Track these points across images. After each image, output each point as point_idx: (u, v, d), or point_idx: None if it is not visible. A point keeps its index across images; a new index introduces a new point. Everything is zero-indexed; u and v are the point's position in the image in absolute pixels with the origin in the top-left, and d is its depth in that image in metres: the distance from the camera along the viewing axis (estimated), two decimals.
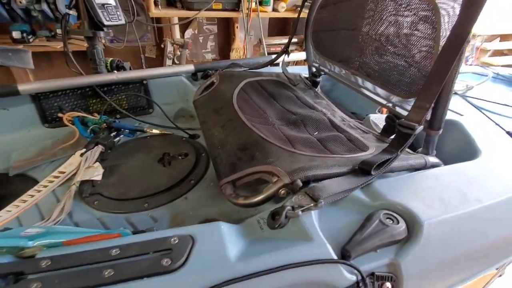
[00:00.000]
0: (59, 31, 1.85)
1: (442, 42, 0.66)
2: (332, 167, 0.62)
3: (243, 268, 0.42)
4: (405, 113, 0.78)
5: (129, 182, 0.82)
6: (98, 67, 1.30)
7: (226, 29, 2.89)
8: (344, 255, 0.48)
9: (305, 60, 1.51)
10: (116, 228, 0.69)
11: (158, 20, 2.37)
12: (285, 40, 2.87)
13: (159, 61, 2.67)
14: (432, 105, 0.64)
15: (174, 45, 2.41)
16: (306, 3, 1.29)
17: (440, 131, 0.72)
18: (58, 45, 1.98)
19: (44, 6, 1.71)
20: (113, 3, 1.17)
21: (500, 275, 0.98)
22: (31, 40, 1.92)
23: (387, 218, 0.53)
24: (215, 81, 1.13)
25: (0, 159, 0.91)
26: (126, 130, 1.05)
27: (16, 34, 1.82)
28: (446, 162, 0.75)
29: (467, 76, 1.46)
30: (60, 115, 1.03)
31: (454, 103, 1.06)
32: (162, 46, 2.47)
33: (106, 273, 0.39)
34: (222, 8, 2.39)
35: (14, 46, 1.35)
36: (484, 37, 3.69)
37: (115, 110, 1.14)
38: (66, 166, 0.86)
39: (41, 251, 0.43)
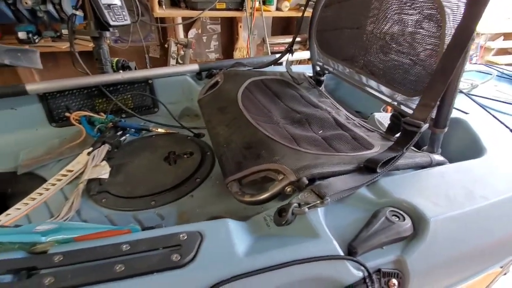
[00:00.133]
0: (64, 31, 1.87)
1: (447, 40, 0.66)
2: (337, 165, 0.63)
3: (251, 264, 0.43)
4: (410, 111, 0.78)
5: (136, 181, 0.83)
6: (104, 67, 1.32)
7: (229, 29, 2.89)
8: (350, 252, 0.48)
9: (308, 59, 1.52)
10: (124, 225, 0.70)
11: (162, 20, 2.38)
12: (288, 39, 2.88)
13: (163, 61, 2.69)
14: (438, 103, 0.64)
15: (178, 44, 2.42)
16: (310, 2, 1.30)
17: (446, 129, 0.72)
18: (63, 46, 2.00)
19: (50, 7, 1.72)
20: (119, 4, 1.18)
21: (505, 273, 0.98)
22: (36, 40, 1.93)
23: (393, 215, 0.54)
24: (219, 80, 1.14)
25: (9, 158, 0.93)
26: (132, 129, 1.06)
27: (21, 35, 1.83)
28: (451, 160, 0.75)
29: (471, 75, 1.46)
30: (67, 114, 1.04)
31: (459, 101, 1.06)
32: (166, 46, 2.48)
33: (117, 268, 0.40)
34: (225, 7, 2.40)
35: (21, 47, 1.37)
36: (488, 36, 3.67)
37: (121, 110, 1.15)
38: (74, 165, 0.87)
39: (53, 247, 0.44)
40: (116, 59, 1.39)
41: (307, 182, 0.57)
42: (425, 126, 0.65)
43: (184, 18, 2.40)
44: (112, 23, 1.16)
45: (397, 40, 0.82)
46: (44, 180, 0.85)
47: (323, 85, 1.28)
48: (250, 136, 0.79)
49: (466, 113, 0.95)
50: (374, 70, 0.92)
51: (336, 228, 0.52)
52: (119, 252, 0.43)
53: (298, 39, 2.09)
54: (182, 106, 1.27)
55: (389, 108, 1.16)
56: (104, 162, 0.87)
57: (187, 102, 1.29)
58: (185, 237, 0.45)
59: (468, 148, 0.83)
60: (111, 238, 0.45)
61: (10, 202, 0.75)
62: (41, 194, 0.77)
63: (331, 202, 0.53)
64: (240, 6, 2.45)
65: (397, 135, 0.86)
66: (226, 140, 0.82)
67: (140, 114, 1.17)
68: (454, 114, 0.85)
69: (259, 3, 2.45)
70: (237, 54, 2.80)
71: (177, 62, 2.47)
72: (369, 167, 0.62)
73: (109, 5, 1.13)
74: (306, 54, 1.51)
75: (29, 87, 0.98)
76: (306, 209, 0.51)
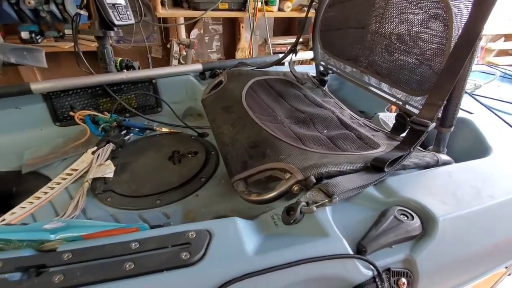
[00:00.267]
0: (67, 31, 1.87)
1: (454, 39, 0.66)
2: (344, 164, 0.63)
3: (261, 262, 0.43)
4: (415, 111, 0.78)
5: (141, 180, 0.83)
6: (108, 66, 1.32)
7: (231, 29, 2.90)
8: (359, 251, 0.48)
9: (311, 59, 1.52)
10: (129, 224, 0.70)
11: (164, 20, 2.38)
12: (290, 40, 2.88)
13: (165, 61, 2.69)
14: (445, 102, 0.64)
15: (180, 45, 2.42)
16: (313, 3, 1.30)
17: (452, 129, 0.72)
18: (66, 46, 2.00)
19: (53, 7, 1.73)
20: (123, 3, 1.19)
21: (510, 274, 0.97)
22: (39, 40, 1.94)
23: (402, 214, 0.53)
24: (223, 80, 1.14)
25: (13, 157, 0.92)
26: (136, 129, 1.06)
27: (24, 35, 1.85)
28: (456, 160, 0.75)
29: (474, 75, 1.46)
30: (71, 113, 1.04)
31: (463, 101, 1.06)
32: (168, 46, 2.48)
33: (127, 266, 0.40)
34: (228, 8, 2.40)
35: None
36: (489, 37, 3.67)
37: (125, 109, 1.15)
38: (78, 164, 0.87)
39: (61, 245, 0.44)
40: (120, 58, 1.39)
41: (314, 180, 0.57)
42: (432, 125, 0.65)
43: (186, 19, 2.41)
44: (116, 22, 1.16)
45: (403, 40, 0.81)
46: (48, 179, 0.85)
47: (326, 85, 1.28)
48: (255, 135, 0.79)
49: (471, 113, 0.95)
50: (379, 70, 0.92)
51: (344, 227, 0.51)
52: (128, 250, 0.43)
53: (300, 39, 2.09)
54: (186, 105, 1.27)
55: (394, 108, 1.16)
56: (109, 161, 0.87)
57: (191, 102, 1.29)
58: (194, 235, 0.45)
59: (474, 147, 0.82)
60: (119, 236, 0.45)
61: (15, 201, 0.75)
62: (46, 193, 0.77)
63: (338, 201, 0.53)
64: (242, 7, 2.45)
65: (403, 134, 0.86)
66: (231, 139, 0.82)
67: (143, 113, 1.17)
68: (459, 114, 0.85)
69: (262, 3, 2.45)
70: (239, 55, 2.80)
71: (179, 62, 2.47)
72: (376, 166, 0.62)
73: (113, 4, 1.14)
74: (308, 55, 1.51)
75: (34, 86, 0.98)
76: (315, 208, 0.51)
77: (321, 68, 1.28)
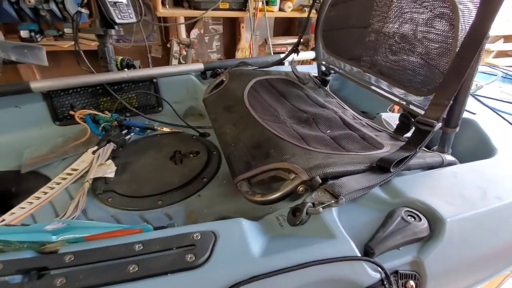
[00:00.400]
0: (67, 30, 1.86)
1: (460, 38, 0.65)
2: (349, 164, 0.62)
3: (267, 265, 0.42)
4: (419, 111, 0.77)
5: (142, 180, 0.82)
6: (108, 65, 1.30)
7: (231, 29, 2.89)
8: (367, 252, 0.47)
9: (312, 59, 1.51)
10: (131, 225, 0.69)
11: (164, 19, 2.37)
12: (290, 40, 2.87)
13: (165, 60, 2.68)
14: (451, 102, 0.63)
15: (180, 44, 2.41)
16: (315, 4, 1.29)
17: (457, 129, 0.72)
18: (65, 45, 1.99)
19: (53, 6, 1.72)
20: (125, 1, 1.17)
21: None
22: (38, 39, 1.93)
23: (409, 215, 0.53)
24: (224, 79, 1.13)
25: (13, 157, 0.91)
26: (137, 128, 1.05)
27: (24, 33, 1.83)
28: (460, 160, 0.74)
29: (476, 76, 1.45)
30: (71, 112, 1.03)
31: None
32: (168, 45, 2.47)
33: (131, 268, 0.39)
34: (229, 7, 2.39)
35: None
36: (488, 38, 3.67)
37: (125, 108, 1.14)
38: (79, 164, 0.86)
39: (63, 246, 0.43)
40: (121, 57, 1.37)
41: (320, 181, 0.56)
42: (439, 125, 0.64)
43: (186, 18, 2.40)
44: (118, 21, 1.15)
45: (407, 39, 0.81)
46: (48, 179, 0.83)
47: (328, 85, 1.27)
48: (258, 135, 0.78)
49: (474, 113, 0.94)
50: (383, 70, 0.91)
51: (350, 228, 0.50)
52: (132, 252, 0.42)
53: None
54: (187, 105, 1.26)
55: (396, 108, 1.15)
56: (110, 161, 0.86)
57: (192, 102, 1.28)
58: (199, 237, 0.44)
59: (478, 148, 0.82)
60: (123, 238, 0.44)
61: (14, 201, 0.74)
62: (46, 193, 0.76)
63: (345, 202, 0.52)
64: (243, 6, 2.44)
65: (406, 134, 0.86)
66: (233, 139, 0.81)
67: (144, 113, 1.17)
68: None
69: (262, 3, 2.45)
70: (239, 55, 2.79)
71: (179, 62, 2.46)
72: (382, 167, 0.61)
73: (115, 2, 1.12)
74: (309, 55, 1.50)
75: (34, 85, 0.96)
76: (321, 209, 0.50)
77: (323, 68, 1.27)
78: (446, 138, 0.75)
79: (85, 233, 0.44)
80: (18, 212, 0.69)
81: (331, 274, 0.44)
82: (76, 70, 1.42)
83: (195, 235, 0.45)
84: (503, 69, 1.61)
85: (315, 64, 1.36)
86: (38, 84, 0.98)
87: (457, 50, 0.63)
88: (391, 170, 0.60)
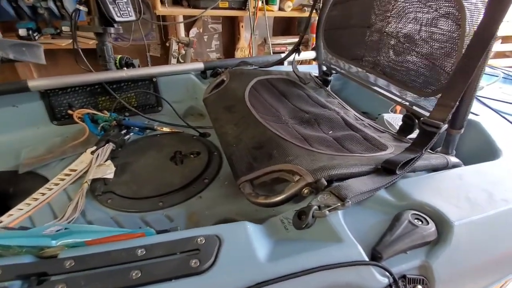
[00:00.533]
0: (64, 28, 1.84)
1: (467, 39, 0.65)
2: (354, 166, 0.61)
3: (273, 270, 0.41)
4: (423, 112, 0.76)
5: (142, 181, 0.81)
6: (107, 64, 1.29)
7: (230, 28, 2.87)
8: (374, 257, 0.46)
9: (312, 59, 1.50)
10: (131, 227, 0.67)
11: (163, 18, 2.35)
12: (290, 40, 2.86)
13: (163, 59, 2.66)
14: (457, 103, 0.62)
15: (179, 43, 2.39)
16: (317, 4, 1.28)
17: (462, 130, 0.71)
18: (63, 43, 1.97)
19: (51, 4, 1.69)
20: None
21: None
22: (36, 37, 1.90)
23: (416, 218, 0.52)
24: (225, 79, 1.12)
25: (10, 157, 0.90)
26: (136, 128, 1.04)
27: (22, 32, 1.80)
28: (464, 162, 0.74)
29: None
30: (70, 112, 1.02)
31: None
32: (167, 44, 2.46)
33: (134, 274, 0.38)
34: (228, 6, 2.38)
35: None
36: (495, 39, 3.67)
37: (124, 108, 1.13)
38: (77, 164, 0.85)
39: (63, 251, 0.41)
40: (120, 56, 1.36)
41: (326, 183, 0.55)
42: (445, 127, 0.63)
43: (185, 17, 2.38)
44: (117, 18, 1.13)
45: (412, 39, 0.80)
46: (46, 180, 0.82)
47: (329, 85, 1.27)
48: (259, 136, 0.77)
49: (477, 114, 0.94)
50: (386, 70, 0.90)
51: (356, 231, 0.49)
52: (134, 257, 0.40)
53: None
54: (187, 105, 1.25)
55: (398, 109, 1.14)
56: (109, 162, 0.84)
57: (191, 101, 1.26)
58: (203, 241, 0.43)
59: (482, 150, 0.81)
60: (124, 242, 0.43)
61: (12, 202, 0.72)
62: (44, 194, 0.75)
63: (351, 205, 0.51)
64: (243, 5, 2.43)
65: (410, 136, 0.85)
66: (235, 139, 0.79)
67: (143, 112, 1.15)
68: None
69: (262, 2, 2.43)
70: (238, 54, 2.77)
71: (178, 61, 2.44)
72: (387, 169, 0.60)
73: (114, 0, 1.11)
74: (308, 54, 1.48)
75: (32, 83, 0.95)
76: (327, 212, 0.49)
77: (324, 68, 1.26)
78: (450, 139, 0.74)
79: (85, 238, 0.42)
80: (16, 214, 0.68)
81: (338, 279, 0.43)
82: (73, 69, 1.40)
83: (199, 239, 0.43)
84: (503, 69, 1.61)
85: (314, 64, 1.35)
86: (36, 83, 0.96)
87: (463, 51, 0.62)
88: (397, 172, 0.59)
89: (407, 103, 0.83)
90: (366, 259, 0.45)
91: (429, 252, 0.49)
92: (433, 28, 0.74)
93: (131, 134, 1.02)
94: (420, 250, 0.49)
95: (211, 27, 2.78)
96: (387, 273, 0.44)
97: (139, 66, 1.46)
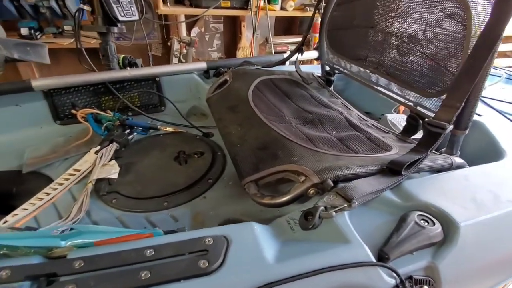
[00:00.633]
0: (66, 28, 1.84)
1: (473, 39, 0.65)
2: (360, 166, 0.61)
3: (282, 270, 0.41)
4: (427, 112, 0.76)
5: (146, 181, 0.81)
6: (110, 63, 1.29)
7: (232, 28, 2.87)
8: (381, 258, 0.46)
9: (314, 59, 1.50)
10: (136, 227, 0.68)
11: (165, 17, 2.35)
12: (291, 39, 2.86)
13: (165, 59, 2.65)
14: (463, 104, 0.62)
15: (181, 43, 2.39)
16: (320, 3, 1.28)
17: (467, 131, 0.71)
18: (65, 42, 1.96)
19: (53, 3, 1.70)
20: None
21: None
22: (38, 36, 1.90)
23: (422, 219, 0.52)
24: (228, 79, 1.12)
25: (13, 156, 0.90)
26: (140, 128, 1.04)
27: (24, 31, 1.81)
28: (468, 163, 0.74)
29: None
30: (73, 111, 1.02)
31: None
32: (169, 44, 2.45)
33: (143, 274, 0.38)
34: (230, 6, 2.37)
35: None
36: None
37: (128, 108, 1.13)
38: (81, 164, 0.85)
39: (71, 252, 0.42)
40: (123, 55, 1.36)
41: (332, 184, 0.55)
42: (450, 128, 0.63)
43: (187, 16, 2.38)
44: (121, 18, 1.13)
45: (416, 40, 0.80)
46: (50, 180, 0.82)
47: (332, 85, 1.27)
48: (264, 136, 0.77)
49: (480, 115, 0.94)
50: (390, 71, 0.90)
51: (362, 232, 0.49)
52: (143, 258, 0.40)
53: (300, 39, 2.07)
54: (189, 104, 1.25)
55: (402, 109, 1.14)
56: (113, 161, 0.84)
57: (194, 101, 1.26)
58: (211, 242, 0.43)
59: (486, 150, 0.81)
60: (133, 243, 0.43)
61: (16, 202, 0.72)
62: (48, 194, 0.75)
63: (357, 205, 0.51)
64: (245, 5, 2.42)
65: (414, 136, 0.85)
66: (239, 139, 0.79)
67: (147, 112, 1.15)
68: None
69: (264, 2, 2.43)
70: (240, 54, 2.77)
71: (180, 61, 2.44)
72: (392, 169, 0.60)
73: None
74: (311, 54, 1.48)
75: (35, 83, 0.95)
76: (334, 213, 0.49)
77: (327, 68, 1.26)
78: (455, 140, 0.74)
79: (94, 238, 0.42)
80: (21, 214, 0.68)
81: (346, 280, 0.43)
82: (75, 68, 1.40)
83: (207, 240, 0.44)
84: (505, 70, 1.61)
85: (316, 63, 1.35)
86: (40, 83, 0.96)
87: (469, 51, 0.62)
88: (403, 173, 0.59)
89: (411, 104, 0.83)
90: (374, 260, 0.45)
91: (435, 253, 0.49)
92: (438, 29, 0.74)
93: (135, 134, 1.02)
94: (426, 251, 0.49)
95: (213, 27, 2.78)
96: (394, 274, 0.44)
97: (141, 66, 1.46)
